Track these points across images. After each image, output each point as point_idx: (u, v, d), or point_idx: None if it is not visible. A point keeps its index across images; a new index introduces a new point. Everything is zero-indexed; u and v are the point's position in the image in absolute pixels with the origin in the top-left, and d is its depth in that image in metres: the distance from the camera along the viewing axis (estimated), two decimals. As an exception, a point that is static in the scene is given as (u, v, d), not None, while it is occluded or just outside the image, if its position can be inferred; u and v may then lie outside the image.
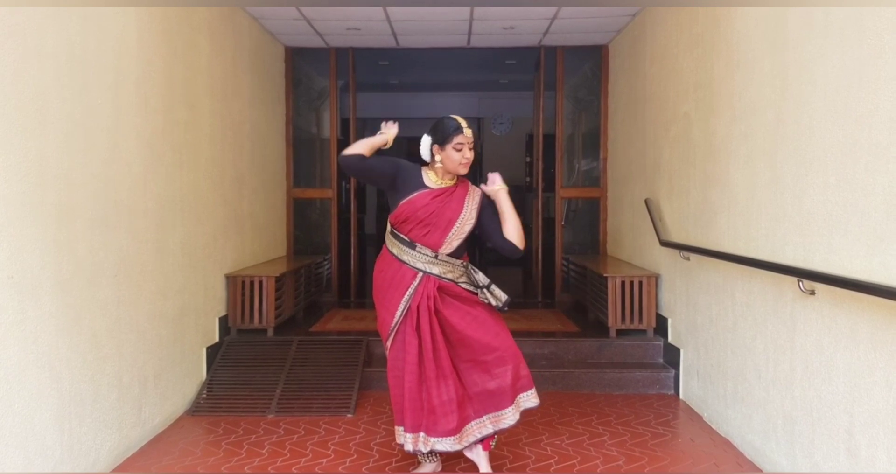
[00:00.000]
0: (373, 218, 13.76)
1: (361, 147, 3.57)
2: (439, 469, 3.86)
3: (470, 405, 3.61)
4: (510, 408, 3.60)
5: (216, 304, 5.58)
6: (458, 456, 3.87)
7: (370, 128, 13.33)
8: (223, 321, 5.70)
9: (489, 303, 3.66)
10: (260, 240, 6.79)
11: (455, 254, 3.66)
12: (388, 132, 3.79)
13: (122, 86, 4.06)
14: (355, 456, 4.16)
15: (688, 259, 5.16)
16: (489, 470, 3.66)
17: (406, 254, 3.61)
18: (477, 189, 3.78)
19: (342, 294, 8.18)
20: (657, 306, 5.86)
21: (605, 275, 5.92)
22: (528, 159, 12.00)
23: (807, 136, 3.54)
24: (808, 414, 3.51)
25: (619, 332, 5.89)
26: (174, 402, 4.77)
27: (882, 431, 2.94)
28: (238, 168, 6.12)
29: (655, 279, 5.85)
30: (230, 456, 4.12)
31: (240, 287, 5.76)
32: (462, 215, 3.63)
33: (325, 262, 7.88)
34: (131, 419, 4.15)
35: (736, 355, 4.36)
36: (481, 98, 13.17)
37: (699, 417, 4.91)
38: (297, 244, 7.94)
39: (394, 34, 7.11)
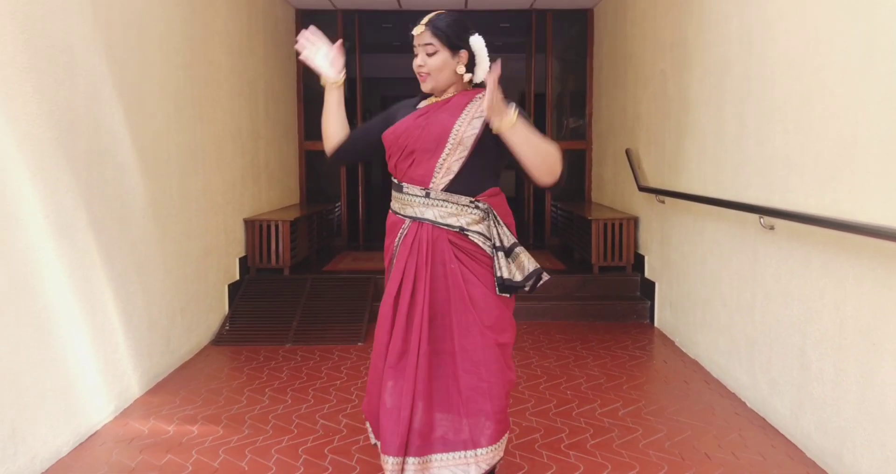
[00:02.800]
0: (379, 169, 13.76)
1: (326, 135, 2.62)
2: None
3: (431, 425, 2.44)
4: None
5: (236, 246, 5.64)
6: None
7: (377, 86, 13.25)
8: (243, 261, 5.76)
9: (499, 279, 2.43)
10: (275, 189, 6.82)
11: (458, 189, 2.44)
12: (321, 67, 2.60)
13: (146, 42, 4.05)
14: (366, 377, 4.25)
15: (663, 202, 5.20)
16: None
17: (397, 201, 2.55)
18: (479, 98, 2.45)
19: (351, 238, 8.24)
20: (635, 245, 5.92)
21: (589, 218, 5.96)
22: (520, 116, 11.93)
23: (769, 88, 3.55)
24: (767, 336, 3.58)
25: (601, 269, 5.96)
26: (199, 334, 4.86)
27: (830, 347, 3.01)
28: (254, 122, 6.13)
29: (634, 221, 5.90)
30: (252, 380, 4.21)
31: (258, 230, 5.81)
32: (457, 127, 2.41)
33: (336, 209, 7.92)
34: (160, 348, 4.24)
35: (704, 286, 4.43)
36: (477, 60, 13.04)
37: (671, 342, 5.01)
38: (309, 193, 7.97)
39: (395, -2, 7.05)
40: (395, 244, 2.54)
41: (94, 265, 3.49)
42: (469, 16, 2.61)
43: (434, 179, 2.45)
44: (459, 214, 2.44)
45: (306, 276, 5.90)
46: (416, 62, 2.48)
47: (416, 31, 2.46)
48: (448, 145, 2.41)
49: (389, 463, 2.41)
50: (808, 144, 3.18)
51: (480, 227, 2.45)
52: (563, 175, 2.38)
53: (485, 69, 2.50)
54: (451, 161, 2.42)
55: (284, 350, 4.84)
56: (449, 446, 2.42)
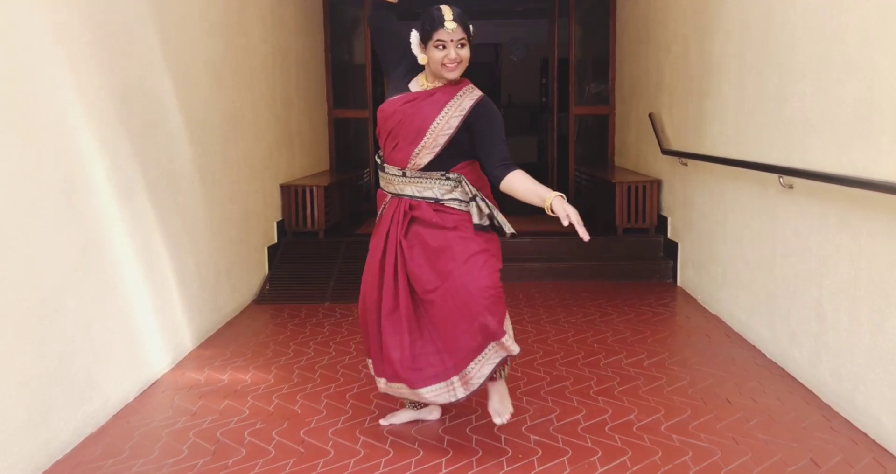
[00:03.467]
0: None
1: None
2: (435, 415, 3.20)
3: (427, 358, 2.83)
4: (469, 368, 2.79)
5: (273, 210, 5.89)
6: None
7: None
8: (280, 225, 6.01)
9: (478, 223, 2.79)
10: (307, 156, 7.04)
11: (430, 168, 2.80)
12: None
13: (189, 17, 4.25)
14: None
15: (685, 164, 5.37)
16: (501, 400, 2.91)
17: (382, 179, 2.93)
18: (474, 95, 2.79)
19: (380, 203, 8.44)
20: (659, 207, 6.10)
21: (613, 181, 6.13)
22: (543, 81, 12.06)
23: (788, 53, 3.70)
24: (786, 290, 3.77)
25: (625, 231, 6.14)
26: (243, 293, 5.12)
27: (845, 298, 3.20)
28: (287, 90, 6.33)
29: (657, 184, 6.07)
30: (296, 335, 4.47)
31: (293, 195, 6.05)
32: (435, 124, 2.74)
33: (365, 176, 8.14)
34: (209, 305, 4.49)
35: (726, 245, 4.61)
36: (498, 25, 13.09)
37: (694, 300, 5.21)
38: (338, 159, 8.18)
39: (421, -34, 7.17)
40: (380, 214, 2.96)
41: (151, 227, 3.74)
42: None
43: (410, 163, 2.81)
44: (433, 187, 2.82)
45: (341, 239, 6.13)
46: (452, 56, 2.71)
47: (451, 26, 2.69)
48: (424, 140, 2.76)
49: (395, 388, 2.90)
50: (826, 106, 3.34)
51: (455, 194, 2.82)
52: None
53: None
54: (423, 153, 2.78)
55: (323, 308, 5.09)
56: (440, 377, 2.81)
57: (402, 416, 3.20)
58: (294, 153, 6.55)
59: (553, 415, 3.24)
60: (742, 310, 4.36)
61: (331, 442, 3.01)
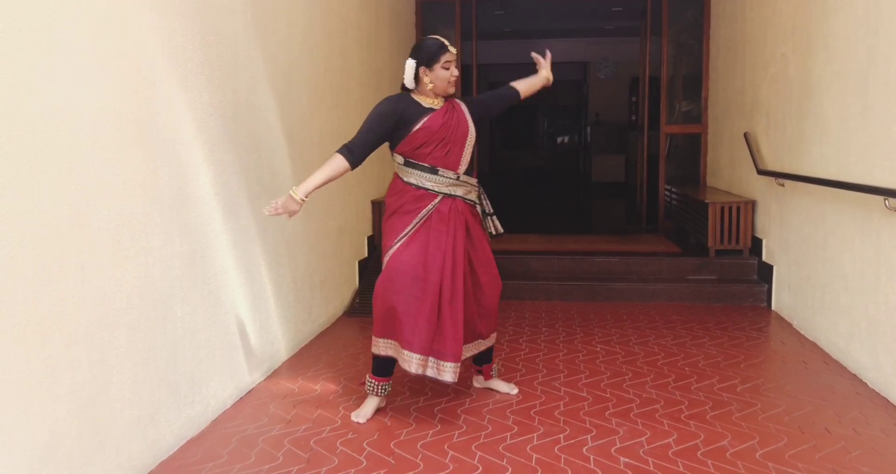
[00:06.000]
0: (486, 152, 13.98)
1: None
2: (383, 404, 3.57)
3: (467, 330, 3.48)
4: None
5: (365, 225, 6.01)
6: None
7: (488, 73, 13.46)
8: (370, 239, 6.13)
9: (488, 232, 3.58)
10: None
11: (469, 173, 3.44)
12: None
13: (293, 38, 4.41)
14: (488, 343, 4.50)
15: (782, 185, 5.23)
16: (510, 390, 3.77)
17: (429, 181, 3.36)
18: (459, 102, 3.48)
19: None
20: (753, 229, 5.95)
21: (706, 201, 6.03)
22: (633, 99, 11.95)
23: (897, 71, 3.58)
24: (891, 317, 3.63)
25: (718, 252, 6.01)
26: (335, 305, 5.24)
27: (956, 327, 3.07)
28: (380, 109, 6.45)
29: (752, 204, 5.93)
30: (383, 348, 4.54)
31: (383, 211, 6.14)
32: (470, 128, 3.41)
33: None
34: (303, 316, 4.61)
35: (825, 269, 4.47)
36: (588, 44, 13.09)
37: (789, 324, 5.05)
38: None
39: (514, -14, 7.25)
40: (426, 211, 3.35)
41: (252, 239, 3.87)
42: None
43: (461, 166, 3.39)
44: (471, 191, 3.47)
45: (429, 255, 6.19)
46: (455, 73, 3.35)
47: (454, 49, 3.35)
48: (468, 143, 3.40)
49: (449, 367, 3.31)
50: (937, 127, 3.22)
51: (478, 202, 3.54)
52: None
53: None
54: (468, 151, 3.40)
55: (412, 323, 5.15)
56: (477, 336, 3.57)
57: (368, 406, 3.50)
58: (385, 170, 6.66)
59: (643, 438, 3.20)
60: (841, 337, 4.21)
61: (420, 455, 3.04)
